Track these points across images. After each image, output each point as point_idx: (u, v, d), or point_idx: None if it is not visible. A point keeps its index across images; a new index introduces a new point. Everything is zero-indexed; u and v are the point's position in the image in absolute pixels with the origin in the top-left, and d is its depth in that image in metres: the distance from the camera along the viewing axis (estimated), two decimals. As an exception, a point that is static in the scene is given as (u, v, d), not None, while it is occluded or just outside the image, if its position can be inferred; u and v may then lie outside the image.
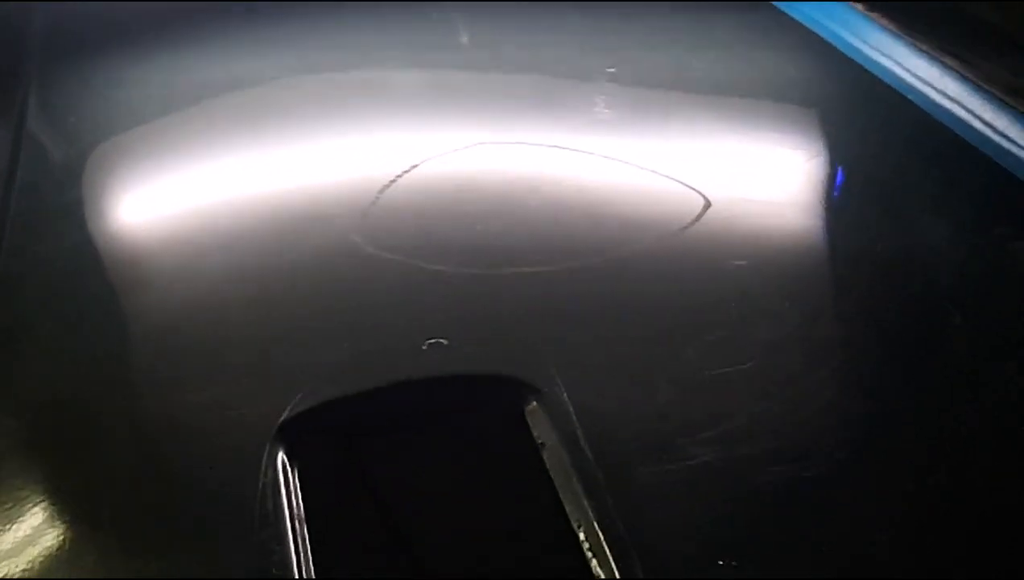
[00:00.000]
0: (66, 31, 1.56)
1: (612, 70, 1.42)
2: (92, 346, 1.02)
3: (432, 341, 0.99)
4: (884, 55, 1.49)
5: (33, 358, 1.02)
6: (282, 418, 0.91)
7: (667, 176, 1.23)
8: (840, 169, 1.27)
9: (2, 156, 1.25)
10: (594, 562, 0.82)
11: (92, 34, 1.55)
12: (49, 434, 0.94)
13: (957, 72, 1.44)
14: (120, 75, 1.44)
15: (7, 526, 0.84)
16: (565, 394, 0.94)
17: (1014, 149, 1.29)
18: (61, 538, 0.84)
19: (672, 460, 0.88)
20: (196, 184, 1.23)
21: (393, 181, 1.19)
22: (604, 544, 0.82)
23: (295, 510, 0.85)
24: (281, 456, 0.89)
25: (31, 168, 1.25)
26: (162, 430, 0.94)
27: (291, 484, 0.88)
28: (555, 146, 1.27)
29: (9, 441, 0.93)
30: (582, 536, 0.83)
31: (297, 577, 0.80)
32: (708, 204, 1.18)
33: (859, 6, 1.60)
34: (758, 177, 1.25)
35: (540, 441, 0.91)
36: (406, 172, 1.21)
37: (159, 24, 1.54)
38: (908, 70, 1.46)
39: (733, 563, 0.81)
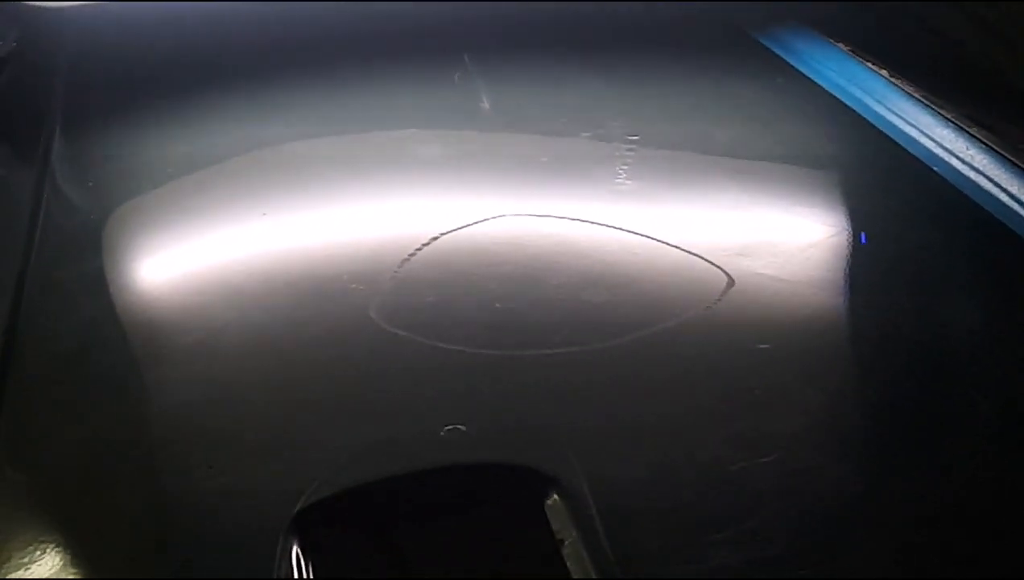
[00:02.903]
0: (87, 91, 1.56)
1: (635, 138, 1.41)
2: (104, 423, 1.01)
3: (450, 427, 0.97)
4: (910, 124, 1.48)
5: (47, 433, 1.00)
6: (296, 508, 0.90)
7: (690, 251, 1.21)
8: (865, 245, 1.25)
9: (22, 224, 1.25)
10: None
11: (113, 94, 1.54)
12: (60, 513, 0.93)
13: (983, 142, 1.42)
14: (139, 137, 1.44)
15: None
16: (585, 487, 0.92)
17: (1041, 225, 1.28)
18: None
19: (692, 561, 0.86)
20: (212, 256, 1.22)
21: (412, 255, 1.18)
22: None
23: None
24: (295, 549, 0.87)
25: (50, 236, 1.24)
26: (173, 516, 0.92)
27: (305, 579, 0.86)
28: (576, 219, 1.26)
29: (22, 517, 0.92)
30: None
31: None
32: (732, 282, 1.17)
33: (884, 73, 1.59)
34: (781, 252, 1.23)
35: (560, 537, 0.89)
36: (425, 245, 1.20)
37: (179, 85, 1.54)
38: (933, 139, 1.44)
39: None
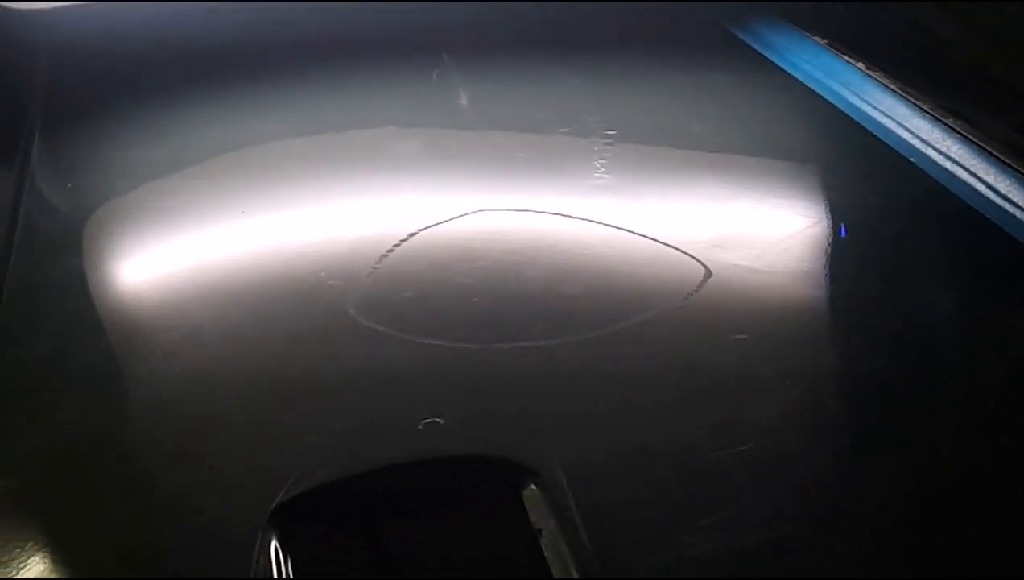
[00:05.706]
0: (66, 92, 1.56)
1: (612, 132, 1.41)
2: (84, 422, 1.01)
3: (428, 420, 0.98)
4: (886, 115, 1.48)
5: (26, 430, 1.00)
6: (275, 503, 0.90)
7: (666, 244, 1.22)
8: (842, 236, 1.26)
9: (1, 224, 1.24)
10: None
11: (91, 96, 1.54)
12: (39, 512, 0.93)
13: (959, 133, 1.43)
14: (118, 138, 1.43)
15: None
16: (563, 478, 0.92)
17: (1018, 213, 1.28)
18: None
19: (669, 550, 0.87)
20: (191, 255, 1.22)
21: (390, 250, 1.19)
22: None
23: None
24: (274, 544, 0.88)
25: (29, 236, 1.24)
26: (151, 513, 0.92)
27: (284, 574, 0.86)
28: (554, 213, 1.26)
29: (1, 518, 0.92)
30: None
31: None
32: (708, 273, 1.17)
33: (861, 65, 1.59)
34: (758, 244, 1.23)
35: (537, 528, 0.89)
36: (404, 241, 1.20)
37: (158, 85, 1.53)
38: (910, 131, 1.45)
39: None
